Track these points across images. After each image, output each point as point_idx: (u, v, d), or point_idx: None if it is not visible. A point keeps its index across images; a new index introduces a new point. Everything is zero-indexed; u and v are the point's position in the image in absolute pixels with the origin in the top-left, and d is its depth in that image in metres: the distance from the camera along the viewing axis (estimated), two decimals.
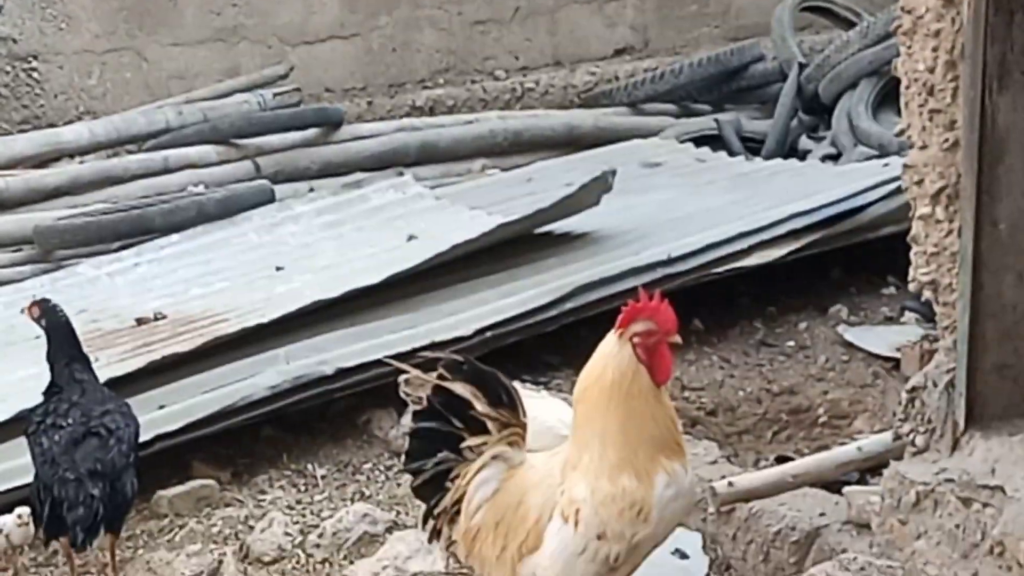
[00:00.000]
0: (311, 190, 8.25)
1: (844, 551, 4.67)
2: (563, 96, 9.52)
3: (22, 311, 5.43)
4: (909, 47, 4.42)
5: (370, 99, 9.22)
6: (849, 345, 6.68)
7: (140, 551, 5.28)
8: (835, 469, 5.14)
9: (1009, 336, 4.42)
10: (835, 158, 8.33)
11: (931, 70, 4.37)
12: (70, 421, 5.06)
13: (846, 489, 5.01)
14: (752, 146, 8.91)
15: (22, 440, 5.25)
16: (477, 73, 9.47)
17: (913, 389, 4.59)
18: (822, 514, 4.91)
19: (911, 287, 4.66)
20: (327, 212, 7.82)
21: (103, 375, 5.52)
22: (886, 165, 7.32)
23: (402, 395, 4.84)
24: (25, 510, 5.10)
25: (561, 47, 9.62)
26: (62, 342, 5.27)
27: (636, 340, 4.19)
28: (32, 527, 5.10)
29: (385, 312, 6.48)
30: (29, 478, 5.15)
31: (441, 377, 4.43)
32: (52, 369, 5.26)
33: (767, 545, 4.91)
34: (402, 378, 4.84)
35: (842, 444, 5.43)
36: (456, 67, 9.42)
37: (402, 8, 9.28)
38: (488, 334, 6.19)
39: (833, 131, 8.62)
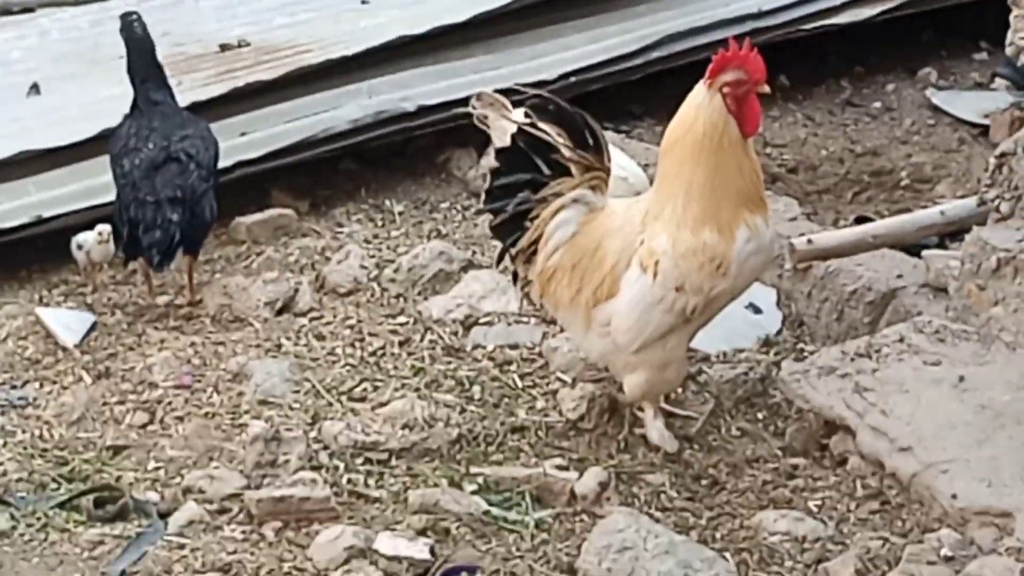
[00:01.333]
0: None
1: (919, 314, 4.69)
2: None
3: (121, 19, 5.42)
4: None
5: None
6: (936, 109, 6.63)
7: (217, 275, 5.35)
8: (915, 232, 5.15)
9: None
10: None
11: None
12: (151, 145, 5.10)
13: (925, 252, 5.02)
14: None
15: (105, 158, 5.30)
16: None
17: (1002, 155, 4.60)
18: (899, 276, 4.92)
19: (1008, 51, 4.65)
20: None
21: (186, 99, 5.54)
22: None
23: (478, 122, 4.83)
24: (106, 228, 5.19)
25: None
26: (140, 57, 5.28)
27: (726, 90, 4.16)
28: (112, 245, 5.20)
29: (470, 52, 6.43)
30: (111, 196, 5.21)
31: (526, 115, 4.41)
32: (134, 88, 5.27)
33: (842, 304, 4.93)
34: (481, 110, 4.81)
35: (924, 208, 5.44)
36: None
37: None
38: (572, 79, 6.16)
39: None
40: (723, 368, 4.72)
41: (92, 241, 5.20)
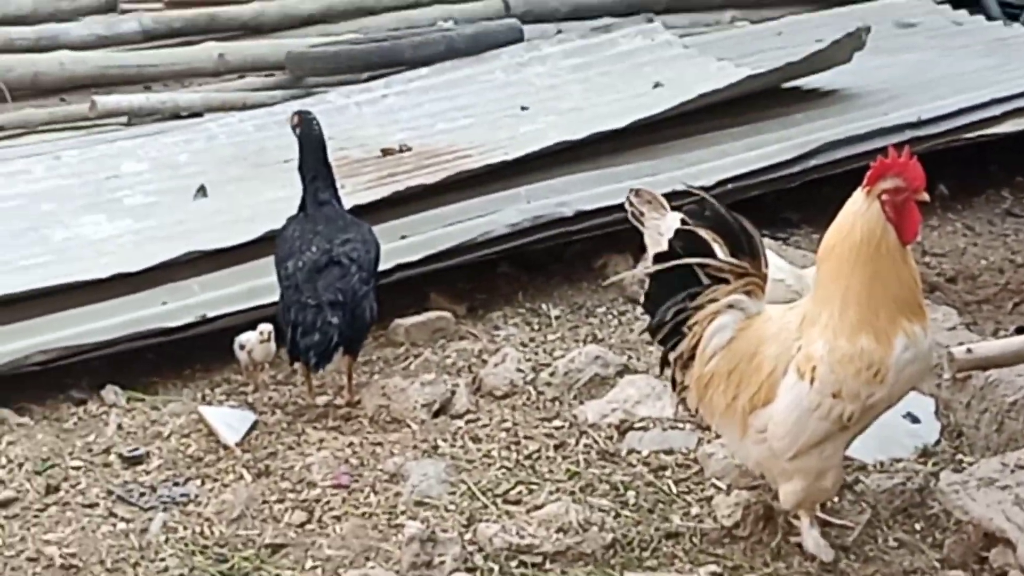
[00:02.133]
0: (559, 32, 8.21)
1: None
2: None
3: (288, 121, 5.50)
4: None
5: None
6: None
7: (376, 376, 5.37)
8: None
9: None
10: None
11: None
12: (314, 248, 5.14)
13: None
14: (1011, 11, 8.64)
15: (269, 259, 5.36)
16: None
17: None
18: None
19: None
20: (574, 55, 7.76)
21: (348, 202, 5.60)
22: None
23: (636, 224, 4.82)
24: (267, 327, 5.26)
25: None
26: (312, 155, 5.33)
27: (884, 197, 4.12)
28: (273, 344, 5.26)
29: (627, 158, 6.45)
30: (274, 297, 5.28)
31: (683, 221, 4.40)
32: (304, 189, 5.33)
33: (1002, 415, 4.83)
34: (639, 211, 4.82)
35: None
36: None
37: None
38: (729, 186, 6.16)
39: None
40: (880, 478, 4.65)
41: (254, 341, 5.26)
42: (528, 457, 4.89)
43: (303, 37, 8.01)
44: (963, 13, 8.49)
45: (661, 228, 4.54)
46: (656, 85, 7.11)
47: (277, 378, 5.37)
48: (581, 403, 5.17)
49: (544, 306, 5.92)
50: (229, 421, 5.05)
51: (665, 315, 4.36)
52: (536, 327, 5.80)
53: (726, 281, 4.32)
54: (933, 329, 4.43)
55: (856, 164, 5.81)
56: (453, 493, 4.67)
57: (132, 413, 5.19)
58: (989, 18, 8.49)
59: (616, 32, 8.04)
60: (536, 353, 5.55)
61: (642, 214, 4.66)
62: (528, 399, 5.24)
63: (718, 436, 4.65)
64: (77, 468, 4.85)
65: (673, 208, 4.56)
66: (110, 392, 5.28)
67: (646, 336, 4.66)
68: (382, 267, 5.35)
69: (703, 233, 4.33)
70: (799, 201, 6.26)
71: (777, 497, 4.35)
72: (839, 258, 4.18)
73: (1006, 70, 7.12)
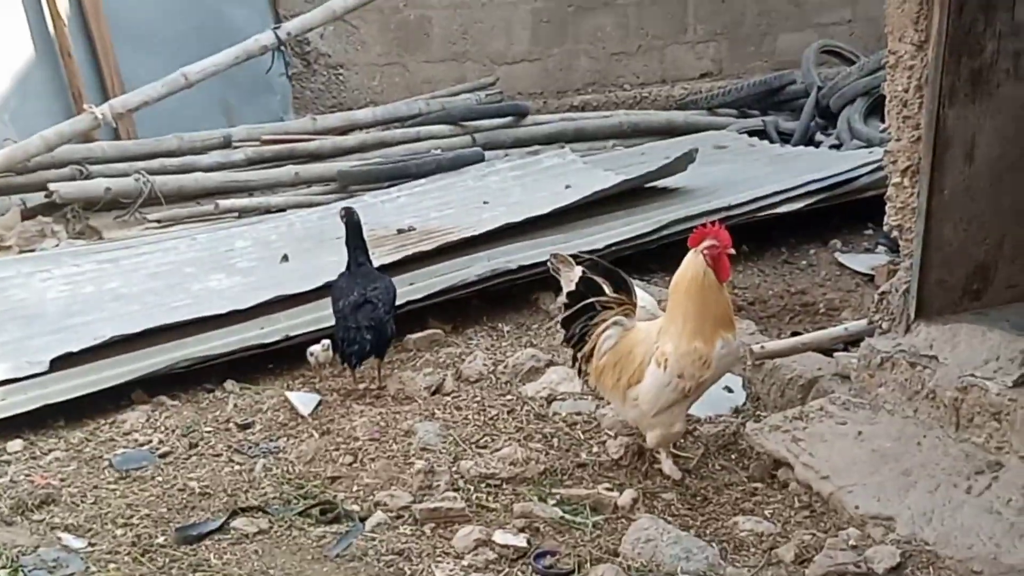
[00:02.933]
0: (506, 155, 8.27)
1: (832, 392, 4.72)
2: (666, 102, 9.49)
3: (338, 213, 5.50)
4: (893, 76, 4.45)
5: (545, 100, 9.22)
6: (841, 265, 6.65)
7: (395, 371, 5.39)
8: (829, 341, 5.15)
9: (946, 263, 4.49)
10: (838, 147, 8.20)
11: (906, 91, 4.39)
12: (355, 293, 5.15)
13: (836, 354, 5.05)
14: (785, 137, 8.78)
15: (327, 299, 5.41)
16: (612, 86, 9.48)
17: (882, 293, 4.65)
18: (819, 369, 4.94)
19: (884, 228, 4.69)
20: (516, 169, 7.79)
21: (376, 263, 5.62)
22: (871, 152, 7.22)
23: (554, 275, 4.81)
24: (327, 342, 5.28)
25: (666, 71, 9.57)
26: (354, 239, 5.35)
27: (705, 252, 4.21)
28: (330, 352, 5.27)
29: (548, 232, 6.47)
30: (331, 323, 5.30)
31: (584, 272, 4.48)
32: (348, 256, 5.34)
33: (783, 387, 4.95)
34: (557, 267, 4.84)
35: (834, 326, 5.47)
36: (599, 82, 9.46)
37: (567, 43, 9.30)
38: (613, 248, 6.18)
39: (838, 130, 8.47)
40: (709, 427, 4.73)
41: (319, 350, 5.29)
42: (491, 419, 4.93)
43: (347, 161, 7.99)
44: (756, 139, 8.57)
45: (571, 276, 4.56)
46: (567, 186, 7.13)
47: (334, 373, 5.38)
48: (523, 384, 5.21)
49: (500, 325, 5.94)
50: (304, 400, 5.08)
51: (575, 329, 4.43)
52: (495, 338, 5.82)
53: (611, 308, 4.39)
54: (739, 334, 4.53)
55: (690, 233, 5.91)
56: (445, 442, 4.71)
57: (243, 397, 5.23)
58: (772, 142, 8.60)
59: (542, 155, 8.09)
60: (495, 354, 5.57)
61: (559, 268, 4.67)
62: (491, 383, 5.27)
63: (608, 404, 4.68)
64: (208, 432, 4.90)
65: (577, 263, 4.58)
66: (229, 384, 5.33)
67: (563, 343, 4.68)
68: (397, 303, 5.37)
69: (596, 279, 4.42)
70: (657, 257, 6.28)
71: (645, 440, 4.40)
72: (680, 291, 4.25)
73: (781, 174, 7.19)
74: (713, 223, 4.36)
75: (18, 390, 4.98)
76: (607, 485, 4.31)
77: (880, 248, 6.58)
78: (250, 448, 4.73)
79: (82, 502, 4.29)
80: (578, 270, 4.53)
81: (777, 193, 6.75)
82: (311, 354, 5.31)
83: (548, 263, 4.81)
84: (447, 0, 8.83)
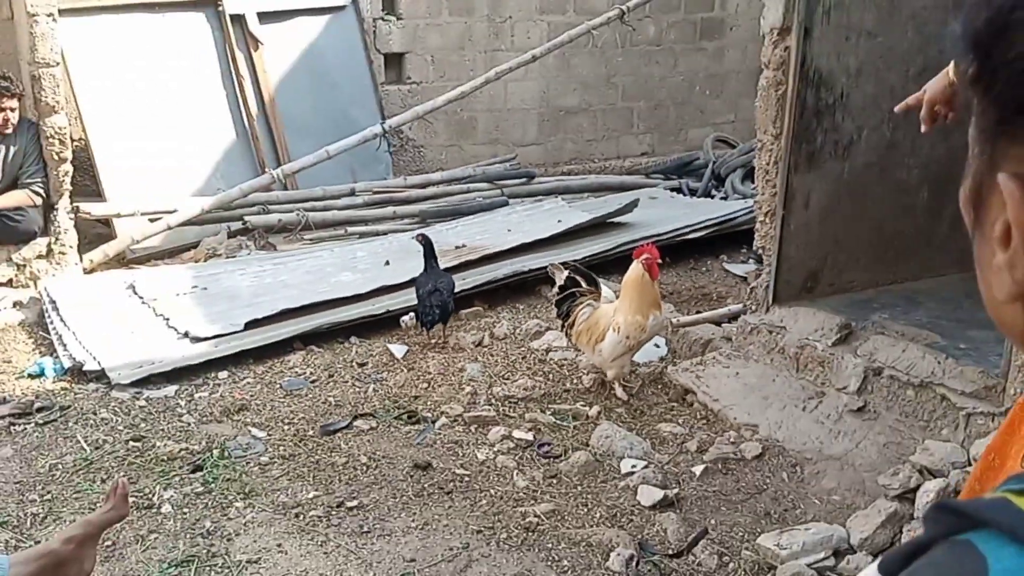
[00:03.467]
0: (521, 202, 8.04)
1: (720, 348, 4.81)
2: (619, 170, 9.17)
3: (416, 238, 5.51)
4: (760, 155, 4.46)
5: (545, 168, 8.99)
6: (727, 271, 6.52)
7: (453, 332, 5.40)
8: (718, 317, 5.18)
9: (791, 270, 4.50)
10: (725, 199, 8.04)
11: (767, 164, 4.36)
12: (429, 285, 5.20)
13: (723, 325, 5.10)
14: (693, 192, 8.55)
15: (412, 288, 5.44)
16: (587, 160, 9.17)
17: (752, 288, 4.74)
18: (712, 334, 4.96)
19: (754, 249, 4.78)
20: (527, 211, 7.66)
21: (442, 266, 5.64)
22: (746, 202, 7.09)
23: (551, 275, 4.83)
24: (412, 314, 5.37)
25: (620, 151, 9.27)
26: (428, 252, 5.41)
27: (644, 261, 4.34)
28: (414, 320, 5.40)
29: (548, 249, 6.42)
30: (414, 302, 5.35)
31: (569, 272, 4.67)
32: (425, 262, 5.42)
33: (690, 344, 4.99)
34: (552, 270, 4.89)
35: (722, 308, 5.38)
36: (578, 157, 9.15)
37: (559, 134, 9.01)
38: (587, 258, 6.00)
39: (725, 188, 8.33)
40: (644, 368, 4.83)
41: (407, 319, 5.43)
42: (512, 362, 5.03)
43: (425, 204, 7.83)
44: (674, 193, 8.36)
45: (561, 276, 4.72)
46: (559, 221, 7.10)
47: (416, 333, 5.46)
48: (532, 341, 5.28)
49: (518, 305, 5.98)
50: (398, 349, 5.20)
51: (563, 309, 4.66)
52: (514, 312, 5.86)
53: (586, 296, 4.60)
54: (664, 312, 4.67)
55: (632, 249, 5.38)
56: (483, 375, 4.84)
57: (362, 346, 5.32)
58: (684, 196, 8.39)
59: (543, 202, 7.92)
60: (515, 323, 5.63)
61: (554, 271, 4.83)
62: (512, 340, 5.35)
63: (583, 354, 4.79)
64: (340, 367, 5.02)
65: (565, 268, 4.73)
66: (353, 339, 5.41)
67: (556, 317, 4.80)
68: (455, 291, 5.43)
69: (577, 277, 4.64)
70: (614, 264, 6.15)
71: (606, 376, 4.59)
72: (628, 286, 4.44)
73: (690, 215, 7.06)
74: (648, 244, 4.57)
75: (224, 341, 5.22)
76: (583, 403, 4.50)
77: (751, 260, 6.38)
78: (367, 376, 4.91)
79: (263, 409, 4.51)
80: (565, 272, 4.75)
81: (688, 226, 6.72)
82: (402, 322, 5.48)
83: (547, 268, 4.98)
84: (486, 106, 8.66)
